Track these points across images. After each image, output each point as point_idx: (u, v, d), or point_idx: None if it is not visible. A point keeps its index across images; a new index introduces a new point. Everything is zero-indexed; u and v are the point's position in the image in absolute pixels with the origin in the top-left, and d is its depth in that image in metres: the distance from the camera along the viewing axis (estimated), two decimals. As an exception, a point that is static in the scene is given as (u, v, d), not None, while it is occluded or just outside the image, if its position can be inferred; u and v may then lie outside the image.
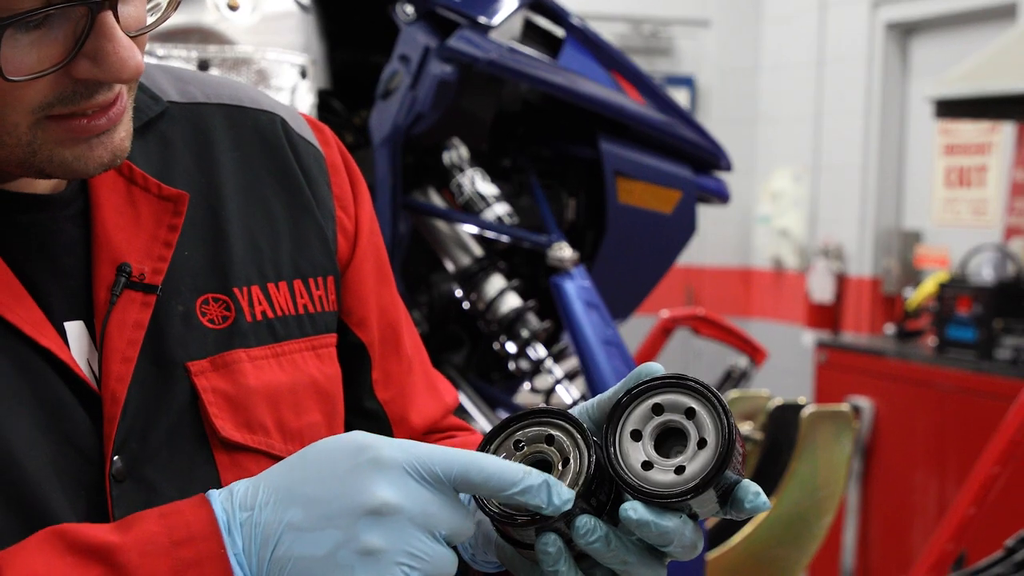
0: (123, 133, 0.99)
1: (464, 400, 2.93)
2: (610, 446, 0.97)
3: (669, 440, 0.98)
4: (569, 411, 1.00)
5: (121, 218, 1.06)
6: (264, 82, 2.34)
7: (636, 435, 0.98)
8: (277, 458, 1.09)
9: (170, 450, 1.04)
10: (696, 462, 0.95)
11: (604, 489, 0.97)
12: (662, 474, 0.96)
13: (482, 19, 2.68)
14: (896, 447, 5.40)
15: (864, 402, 5.49)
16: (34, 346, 0.98)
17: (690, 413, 0.97)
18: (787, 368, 7.26)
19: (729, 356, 3.86)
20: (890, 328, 5.95)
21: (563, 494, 0.94)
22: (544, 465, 0.98)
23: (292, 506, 0.91)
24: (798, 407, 3.01)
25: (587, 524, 0.95)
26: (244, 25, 2.34)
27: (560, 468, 0.97)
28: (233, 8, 2.33)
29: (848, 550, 5.57)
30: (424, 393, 1.29)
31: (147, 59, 1.04)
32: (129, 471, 1.01)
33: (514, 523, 0.96)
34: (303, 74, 2.40)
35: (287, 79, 2.37)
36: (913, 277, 6.85)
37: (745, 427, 3.10)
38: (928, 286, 5.70)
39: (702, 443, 0.96)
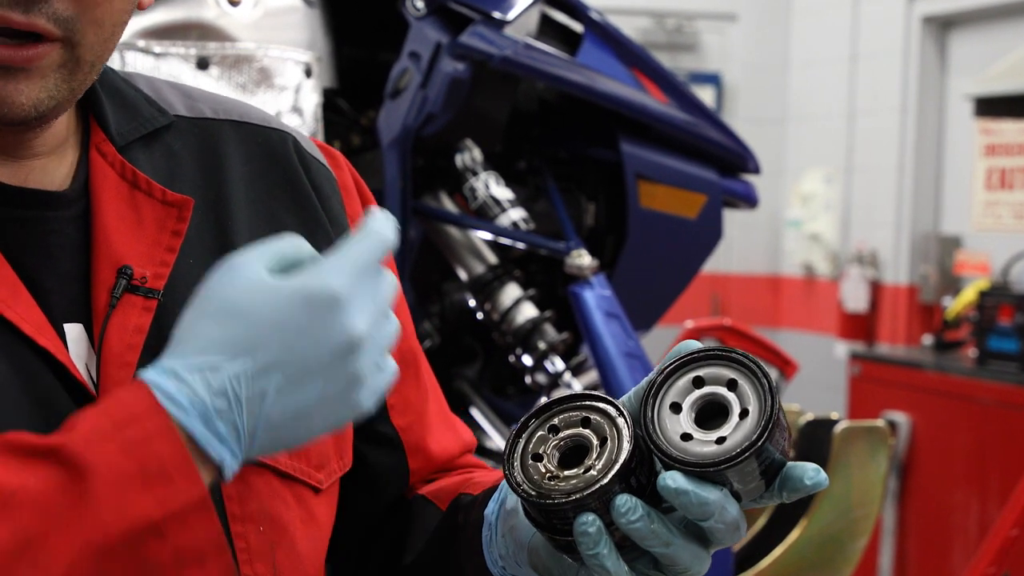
0: (25, 88, 0.99)
1: (478, 415, 2.93)
2: (648, 419, 0.98)
3: (713, 418, 0.98)
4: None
5: (123, 222, 1.08)
6: (267, 81, 2.34)
7: (676, 408, 0.99)
8: (283, 474, 1.12)
9: None
10: (738, 432, 0.96)
11: (644, 470, 0.98)
12: (702, 446, 0.96)
13: (496, 14, 2.68)
14: (934, 464, 5.38)
15: (900, 417, 5.47)
16: (32, 345, 1.00)
17: (732, 385, 0.98)
18: (819, 381, 7.23)
19: (757, 369, 3.85)
20: (928, 339, 5.93)
21: (390, 219, 0.97)
22: (581, 449, 0.99)
23: (206, 338, 0.92)
24: (831, 423, 3.00)
25: (627, 502, 0.96)
26: (246, 21, 2.34)
27: (598, 449, 0.98)
28: (234, 3, 2.33)
29: (884, 574, 5.55)
30: (441, 426, 1.31)
31: (147, 65, 1.06)
32: None
33: (550, 503, 0.97)
34: (308, 72, 2.40)
35: (291, 77, 2.36)
36: (952, 285, 6.83)
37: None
38: (968, 294, 5.68)
39: (744, 413, 0.97)
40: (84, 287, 1.06)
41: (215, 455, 0.91)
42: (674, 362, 1.00)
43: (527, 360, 2.72)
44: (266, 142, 1.22)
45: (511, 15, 2.70)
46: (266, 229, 1.15)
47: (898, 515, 5.53)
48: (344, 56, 2.88)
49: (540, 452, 1.00)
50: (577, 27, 2.94)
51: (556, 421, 1.01)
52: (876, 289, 7.38)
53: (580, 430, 1.00)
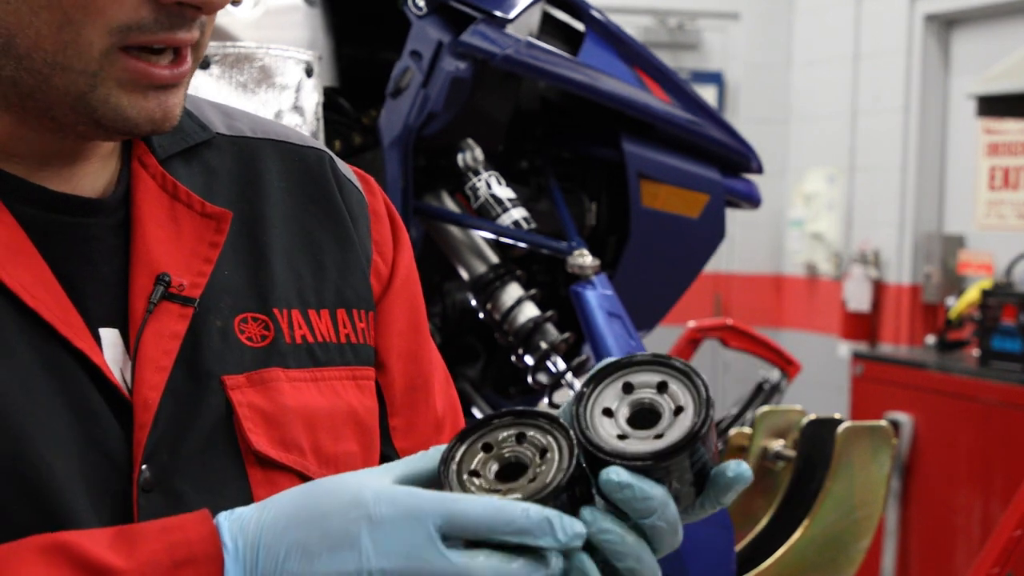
0: (176, 100, 1.05)
1: (479, 415, 2.93)
2: (581, 424, 0.98)
3: (647, 424, 0.99)
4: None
5: (162, 232, 1.11)
6: (267, 79, 2.34)
7: (608, 413, 0.99)
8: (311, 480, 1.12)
9: (202, 463, 1.07)
10: (675, 429, 0.97)
11: (584, 481, 0.97)
12: (639, 443, 0.97)
13: (498, 13, 2.68)
14: (937, 465, 5.38)
15: (903, 417, 5.47)
16: (68, 347, 1.02)
17: (662, 387, 0.99)
18: (821, 382, 7.23)
19: (760, 369, 3.85)
20: (931, 339, 5.93)
21: (574, 526, 0.92)
22: (519, 466, 0.98)
23: (283, 547, 0.93)
24: (833, 423, 2.99)
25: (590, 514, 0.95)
26: (246, 20, 2.34)
27: (539, 462, 0.97)
28: (235, 2, 2.33)
29: (887, 574, 5.54)
30: None
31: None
32: (158, 481, 1.04)
33: None
34: (308, 71, 2.40)
35: (291, 76, 2.36)
36: (955, 284, 6.82)
37: (777, 444, 3.08)
38: (971, 294, 5.68)
39: (678, 411, 0.98)
40: (121, 293, 1.08)
41: None
42: (600, 370, 1.01)
43: (529, 360, 2.71)
44: (303, 160, 1.25)
45: (513, 14, 2.69)
46: (300, 243, 1.20)
47: (901, 515, 5.53)
48: (345, 55, 2.87)
49: (476, 469, 0.98)
50: (579, 26, 2.93)
51: (488, 440, 1.00)
52: (879, 289, 7.38)
53: (516, 447, 0.99)
